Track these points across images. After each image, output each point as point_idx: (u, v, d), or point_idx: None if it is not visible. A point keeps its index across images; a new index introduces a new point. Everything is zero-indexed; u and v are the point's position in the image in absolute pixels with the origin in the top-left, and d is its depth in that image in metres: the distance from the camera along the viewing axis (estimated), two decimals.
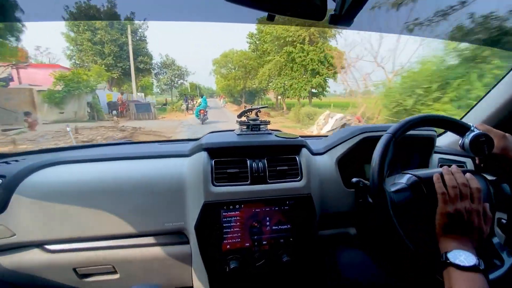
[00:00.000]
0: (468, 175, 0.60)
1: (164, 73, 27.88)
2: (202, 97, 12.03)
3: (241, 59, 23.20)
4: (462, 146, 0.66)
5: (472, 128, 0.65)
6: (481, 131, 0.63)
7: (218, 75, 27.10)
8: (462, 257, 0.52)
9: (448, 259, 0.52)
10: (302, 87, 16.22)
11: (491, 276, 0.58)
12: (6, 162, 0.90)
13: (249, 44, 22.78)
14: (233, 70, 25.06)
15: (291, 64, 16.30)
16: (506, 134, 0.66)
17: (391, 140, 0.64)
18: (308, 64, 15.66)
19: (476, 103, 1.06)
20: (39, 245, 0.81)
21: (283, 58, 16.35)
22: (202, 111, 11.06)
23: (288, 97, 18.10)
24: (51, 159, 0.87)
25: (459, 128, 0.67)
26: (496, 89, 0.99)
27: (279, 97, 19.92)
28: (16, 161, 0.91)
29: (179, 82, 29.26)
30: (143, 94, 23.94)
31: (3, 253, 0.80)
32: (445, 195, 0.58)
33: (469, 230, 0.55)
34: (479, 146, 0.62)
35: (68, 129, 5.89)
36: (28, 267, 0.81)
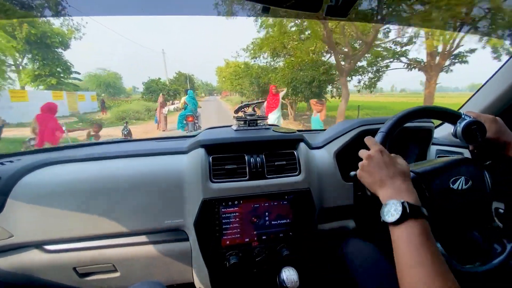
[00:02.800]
0: None
1: None
2: (187, 93, 6.74)
3: None
4: (455, 134, 0.65)
5: (463, 116, 0.64)
6: (472, 119, 0.63)
7: None
8: (392, 209, 0.46)
9: (381, 217, 0.48)
10: None
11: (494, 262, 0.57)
12: (1, 163, 0.88)
13: None
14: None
15: None
16: (497, 117, 0.65)
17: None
18: None
19: (475, 93, 1.06)
20: (38, 245, 0.81)
21: None
22: (190, 118, 6.15)
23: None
24: (47, 159, 0.86)
25: (450, 116, 0.66)
26: (495, 78, 0.98)
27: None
28: (11, 161, 0.90)
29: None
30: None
31: (2, 255, 0.80)
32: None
33: (378, 167, 0.54)
34: (472, 134, 0.62)
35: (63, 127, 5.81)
36: (28, 268, 0.80)
